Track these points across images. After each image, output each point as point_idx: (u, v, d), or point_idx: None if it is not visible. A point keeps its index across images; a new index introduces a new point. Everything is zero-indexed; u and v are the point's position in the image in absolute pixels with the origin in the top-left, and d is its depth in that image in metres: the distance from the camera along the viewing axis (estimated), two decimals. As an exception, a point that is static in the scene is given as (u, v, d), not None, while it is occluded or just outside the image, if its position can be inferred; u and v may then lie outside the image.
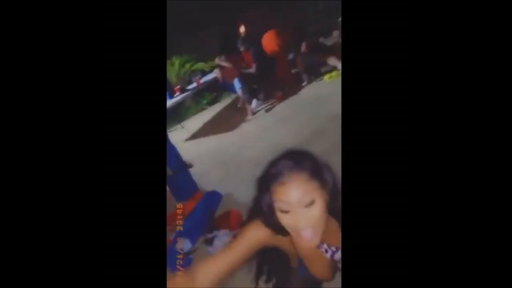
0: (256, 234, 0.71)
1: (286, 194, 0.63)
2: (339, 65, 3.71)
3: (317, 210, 0.64)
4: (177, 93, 3.79)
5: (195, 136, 3.91)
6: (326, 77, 3.80)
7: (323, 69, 3.99)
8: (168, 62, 4.89)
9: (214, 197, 2.20)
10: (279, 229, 0.69)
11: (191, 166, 2.59)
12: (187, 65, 5.37)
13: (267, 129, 3.31)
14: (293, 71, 4.15)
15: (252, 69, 3.87)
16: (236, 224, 1.84)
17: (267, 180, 0.67)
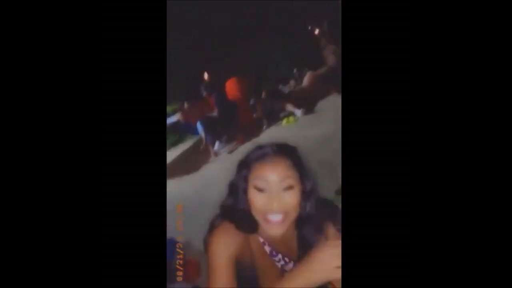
0: (226, 248, 0.68)
1: (266, 172, 0.64)
2: (296, 111, 4.23)
3: (293, 197, 0.64)
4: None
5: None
6: (284, 121, 4.24)
7: (281, 114, 4.42)
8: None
9: (169, 246, 2.04)
10: (248, 224, 0.67)
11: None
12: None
13: (229, 170, 3.34)
14: (254, 115, 4.49)
15: (215, 113, 4.08)
16: (193, 275, 1.68)
17: (249, 160, 0.68)
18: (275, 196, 0.63)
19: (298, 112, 4.10)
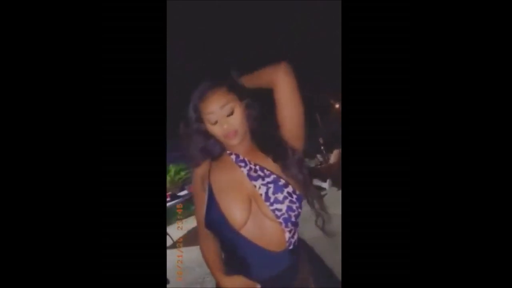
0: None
1: (209, 106, 0.75)
2: (323, 184, 4.45)
3: (238, 117, 0.76)
4: (168, 199, 3.86)
5: (176, 244, 3.81)
6: None
7: None
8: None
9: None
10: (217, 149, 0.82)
11: (168, 282, 2.46)
12: (182, 173, 5.73)
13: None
14: None
15: None
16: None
17: (195, 102, 0.78)
18: (223, 123, 0.75)
19: (325, 184, 4.26)
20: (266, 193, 0.74)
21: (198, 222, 0.81)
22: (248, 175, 0.77)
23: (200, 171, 0.83)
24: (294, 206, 0.74)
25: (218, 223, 0.73)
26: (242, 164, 0.79)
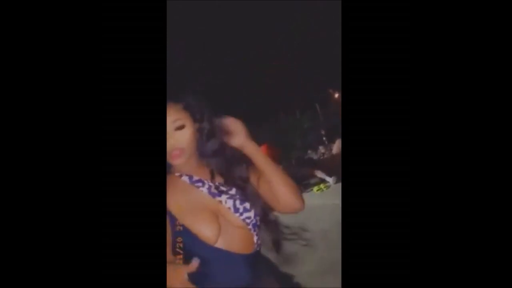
0: None
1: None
2: (327, 178, 4.25)
3: (186, 135, 0.76)
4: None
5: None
6: (315, 189, 4.24)
7: (312, 181, 4.43)
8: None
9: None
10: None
11: None
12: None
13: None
14: None
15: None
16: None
17: None
18: (170, 136, 0.74)
19: (330, 179, 4.16)
20: (234, 205, 0.76)
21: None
22: (210, 193, 0.78)
23: None
24: (258, 210, 0.78)
25: (192, 244, 0.72)
26: (200, 184, 0.78)
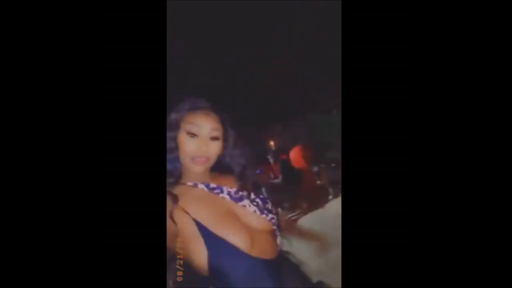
0: None
1: (199, 119, 0.75)
2: None
3: (216, 147, 0.77)
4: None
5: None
6: None
7: None
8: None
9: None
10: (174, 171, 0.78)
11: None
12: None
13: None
14: (318, 182, 4.50)
15: (279, 180, 4.17)
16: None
17: (181, 110, 0.78)
18: (204, 142, 0.75)
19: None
20: (259, 208, 0.77)
21: (198, 269, 0.71)
22: (233, 198, 0.77)
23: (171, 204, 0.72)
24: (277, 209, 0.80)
25: (230, 257, 0.68)
26: (218, 191, 0.78)
